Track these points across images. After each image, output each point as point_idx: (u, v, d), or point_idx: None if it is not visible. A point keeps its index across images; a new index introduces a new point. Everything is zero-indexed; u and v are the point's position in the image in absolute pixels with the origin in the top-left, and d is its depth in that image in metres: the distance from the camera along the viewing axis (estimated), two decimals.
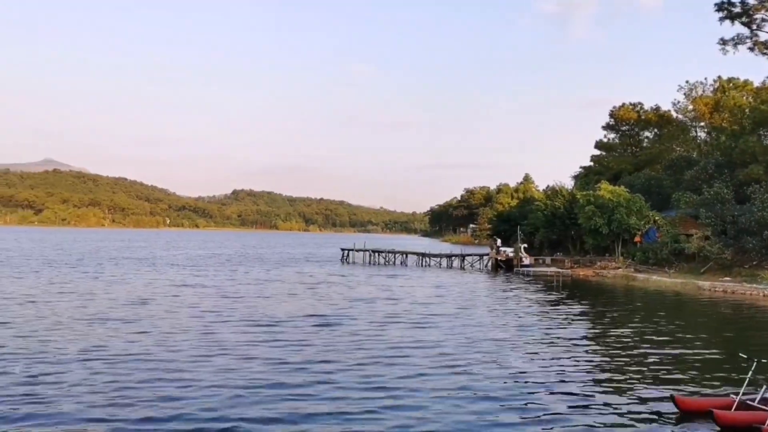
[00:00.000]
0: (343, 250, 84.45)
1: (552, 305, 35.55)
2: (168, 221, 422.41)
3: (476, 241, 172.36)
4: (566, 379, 17.16)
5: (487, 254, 72.85)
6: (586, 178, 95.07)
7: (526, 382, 16.61)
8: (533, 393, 15.59)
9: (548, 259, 69.71)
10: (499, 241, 75.40)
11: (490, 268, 69.09)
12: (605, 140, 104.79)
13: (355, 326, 25.46)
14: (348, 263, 75.70)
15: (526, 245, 71.73)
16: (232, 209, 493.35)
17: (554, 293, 42.89)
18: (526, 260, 66.19)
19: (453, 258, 73.63)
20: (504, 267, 66.96)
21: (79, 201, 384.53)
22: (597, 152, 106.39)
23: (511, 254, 68.36)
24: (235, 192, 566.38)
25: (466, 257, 73.10)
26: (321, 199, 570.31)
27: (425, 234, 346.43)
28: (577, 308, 34.46)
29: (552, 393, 15.64)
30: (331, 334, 23.35)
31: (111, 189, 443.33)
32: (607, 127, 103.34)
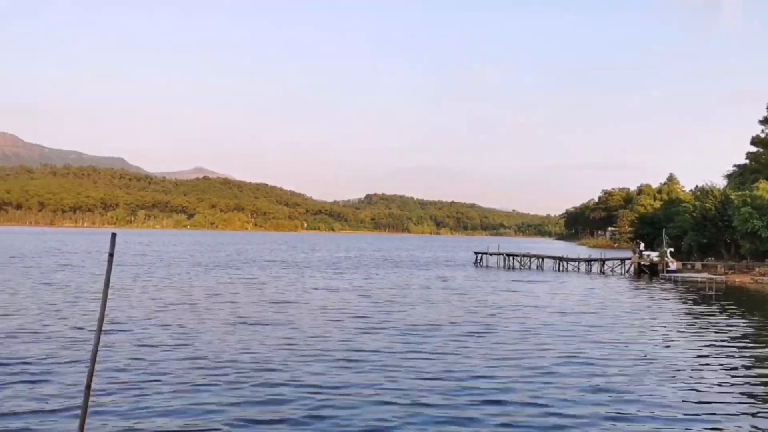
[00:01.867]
0: (476, 253, 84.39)
1: (709, 316, 33.16)
2: (305, 225, 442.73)
3: (616, 245, 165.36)
4: (738, 408, 15.19)
5: (629, 258, 69.67)
6: (741, 177, 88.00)
7: (688, 411, 14.84)
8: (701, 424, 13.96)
9: (698, 264, 65.65)
10: (642, 245, 71.82)
11: (632, 273, 66.01)
12: (762, 135, 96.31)
13: (505, 336, 24.32)
14: (482, 267, 75.45)
15: (672, 249, 68.09)
16: (365, 213, 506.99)
17: (709, 302, 39.95)
18: (673, 265, 62.93)
19: (592, 262, 71.22)
20: (648, 272, 63.84)
21: (226, 206, 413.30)
22: (753, 149, 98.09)
23: (655, 259, 65.19)
24: (368, 196, 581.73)
25: (607, 262, 70.41)
26: (452, 202, 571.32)
27: (560, 237, 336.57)
28: (739, 321, 31.52)
29: (718, 427, 13.79)
30: (481, 345, 22.29)
31: (253, 194, 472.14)
32: (765, 121, 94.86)
